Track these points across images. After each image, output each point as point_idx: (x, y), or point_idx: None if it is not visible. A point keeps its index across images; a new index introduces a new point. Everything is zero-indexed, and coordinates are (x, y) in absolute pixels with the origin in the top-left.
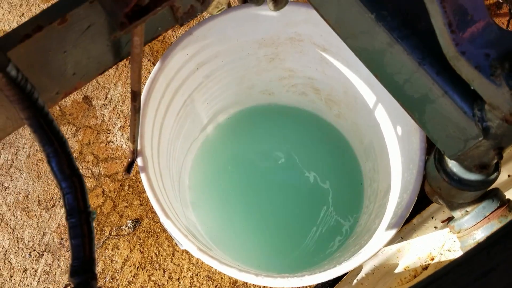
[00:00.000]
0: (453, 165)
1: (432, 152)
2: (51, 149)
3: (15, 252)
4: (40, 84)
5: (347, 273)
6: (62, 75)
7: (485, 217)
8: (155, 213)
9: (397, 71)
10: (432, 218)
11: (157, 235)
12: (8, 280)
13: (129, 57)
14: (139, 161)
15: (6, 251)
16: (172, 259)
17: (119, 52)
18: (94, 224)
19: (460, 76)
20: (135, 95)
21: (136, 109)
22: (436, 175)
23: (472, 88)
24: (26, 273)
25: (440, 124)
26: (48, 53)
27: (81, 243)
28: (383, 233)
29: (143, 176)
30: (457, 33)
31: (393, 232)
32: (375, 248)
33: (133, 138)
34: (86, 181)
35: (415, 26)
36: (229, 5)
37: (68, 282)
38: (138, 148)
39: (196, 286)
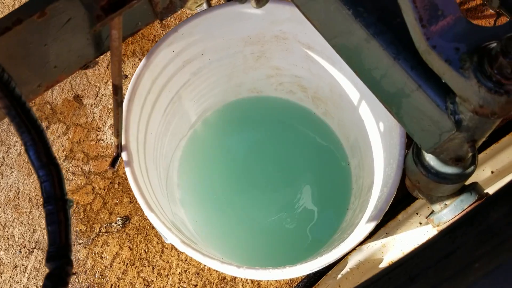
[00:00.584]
0: (430, 159)
1: (411, 147)
2: (29, 137)
3: (5, 249)
4: (22, 77)
5: (332, 267)
6: (43, 68)
7: (463, 210)
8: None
9: (374, 66)
10: (417, 214)
11: (146, 232)
12: None
13: (109, 51)
14: (123, 155)
15: None
16: (161, 255)
17: (100, 46)
18: (70, 212)
19: (433, 71)
20: (116, 89)
21: (118, 103)
22: (415, 169)
23: (443, 81)
24: (16, 269)
25: (416, 118)
26: (29, 46)
27: (57, 229)
28: (363, 226)
29: (127, 170)
30: (427, 27)
31: (372, 224)
32: (356, 241)
33: (117, 132)
34: (76, 179)
35: (391, 22)
36: (209, 4)
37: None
38: (123, 142)
39: (185, 282)
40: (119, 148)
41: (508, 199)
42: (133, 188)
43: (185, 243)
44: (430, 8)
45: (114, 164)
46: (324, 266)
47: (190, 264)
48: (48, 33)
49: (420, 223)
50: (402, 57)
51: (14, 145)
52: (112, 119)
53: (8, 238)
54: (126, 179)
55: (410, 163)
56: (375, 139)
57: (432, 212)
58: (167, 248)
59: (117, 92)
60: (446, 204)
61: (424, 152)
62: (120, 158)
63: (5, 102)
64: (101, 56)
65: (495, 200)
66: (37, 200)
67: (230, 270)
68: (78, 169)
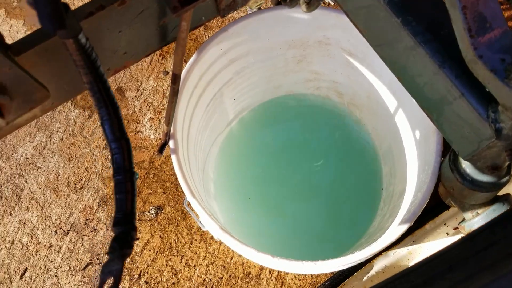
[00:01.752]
0: (466, 166)
1: (448, 154)
2: (106, 112)
3: (42, 229)
4: None
5: (358, 269)
6: (114, 53)
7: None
8: (177, 202)
9: (419, 73)
10: (445, 224)
11: (177, 223)
12: (33, 254)
13: (175, 41)
14: (171, 143)
15: (34, 227)
16: (190, 246)
17: (165, 37)
18: (136, 184)
19: (476, 80)
20: (176, 78)
21: (175, 92)
22: (450, 175)
23: (487, 90)
24: (51, 249)
25: (456, 125)
26: (106, 31)
27: (124, 198)
28: (396, 227)
29: (173, 157)
30: (475, 38)
31: (405, 227)
32: (388, 241)
33: (168, 120)
34: None
35: (438, 32)
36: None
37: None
38: (171, 131)
39: (211, 274)
40: (168, 135)
41: None
42: (178, 174)
43: (224, 230)
44: (479, 20)
45: (162, 151)
46: (355, 263)
47: (217, 257)
48: (124, 21)
49: (448, 233)
50: (447, 66)
51: (57, 131)
52: (152, 112)
53: (45, 219)
54: (161, 170)
55: (446, 170)
56: (410, 146)
57: (463, 220)
58: (196, 240)
59: (176, 81)
60: (478, 213)
61: (461, 159)
62: (167, 145)
63: (90, 78)
64: None
65: None
66: (75, 184)
67: (264, 259)
68: None
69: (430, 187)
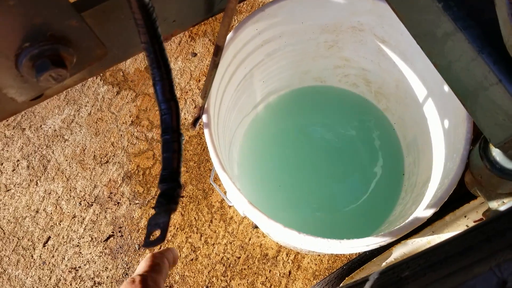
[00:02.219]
0: (496, 154)
1: (477, 142)
2: (159, 73)
3: (67, 200)
4: None
5: (377, 255)
6: (165, 20)
7: None
8: (199, 181)
9: (457, 59)
10: (465, 217)
11: (198, 202)
12: (57, 224)
13: (223, 12)
14: (204, 117)
15: (59, 197)
16: (209, 225)
17: (212, 7)
18: (182, 145)
19: None
20: (218, 50)
21: (215, 64)
22: (479, 163)
23: None
24: (74, 219)
25: (490, 112)
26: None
27: (171, 156)
28: (421, 211)
29: (206, 131)
30: None
31: (431, 211)
32: (413, 225)
33: (205, 94)
34: (139, 143)
35: (479, 18)
36: None
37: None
38: (205, 105)
39: (229, 253)
40: (202, 109)
41: None
42: (210, 148)
43: (252, 204)
44: None
45: (196, 124)
46: (380, 244)
47: (236, 237)
48: None
49: (467, 225)
50: (486, 52)
51: (86, 105)
52: (178, 92)
53: (70, 190)
54: (184, 149)
55: (475, 157)
56: (438, 136)
57: (488, 209)
58: (215, 219)
59: (218, 53)
60: (504, 202)
61: (491, 146)
62: (201, 119)
63: (147, 38)
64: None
65: None
66: (101, 158)
67: (291, 234)
68: (142, 134)
69: (458, 173)
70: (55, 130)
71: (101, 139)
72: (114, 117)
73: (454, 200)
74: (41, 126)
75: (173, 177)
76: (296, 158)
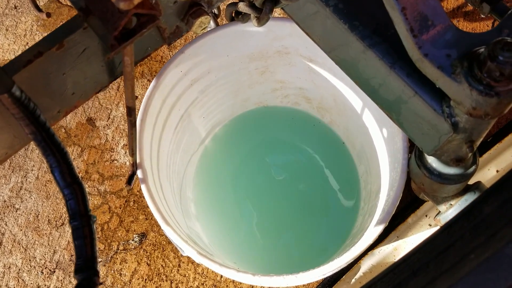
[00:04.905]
0: (432, 161)
1: (413, 150)
2: (54, 160)
3: (28, 271)
4: (43, 104)
5: (345, 272)
6: (62, 95)
7: None
8: (160, 226)
9: (372, 76)
10: (426, 216)
11: (163, 248)
12: None
13: (122, 76)
14: (139, 173)
15: (20, 270)
16: (178, 270)
17: (113, 72)
18: (95, 227)
19: (427, 77)
20: (130, 110)
21: (132, 124)
22: (418, 171)
23: (438, 87)
24: None
25: (415, 123)
26: (49, 76)
27: (83, 243)
28: (372, 229)
29: (143, 187)
30: (419, 37)
31: (380, 228)
32: (365, 244)
33: (132, 152)
34: (92, 199)
35: (385, 34)
36: (216, 23)
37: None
38: (138, 161)
39: None
40: (134, 166)
41: (499, 194)
42: (149, 204)
43: (202, 254)
44: (420, 19)
45: (130, 182)
46: (336, 270)
47: (207, 277)
48: (66, 63)
49: (430, 225)
50: (397, 66)
51: (32, 170)
52: (125, 139)
53: (30, 260)
54: (141, 196)
55: (414, 166)
56: (380, 145)
57: (439, 212)
58: (183, 262)
59: (131, 113)
60: (451, 204)
61: (426, 155)
62: (135, 176)
63: (32, 129)
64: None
65: (488, 196)
66: (56, 221)
67: (245, 278)
68: (94, 189)
69: (401, 184)
70: (4, 201)
71: (53, 201)
72: None
73: (413, 199)
74: None
75: (88, 265)
76: (253, 186)
